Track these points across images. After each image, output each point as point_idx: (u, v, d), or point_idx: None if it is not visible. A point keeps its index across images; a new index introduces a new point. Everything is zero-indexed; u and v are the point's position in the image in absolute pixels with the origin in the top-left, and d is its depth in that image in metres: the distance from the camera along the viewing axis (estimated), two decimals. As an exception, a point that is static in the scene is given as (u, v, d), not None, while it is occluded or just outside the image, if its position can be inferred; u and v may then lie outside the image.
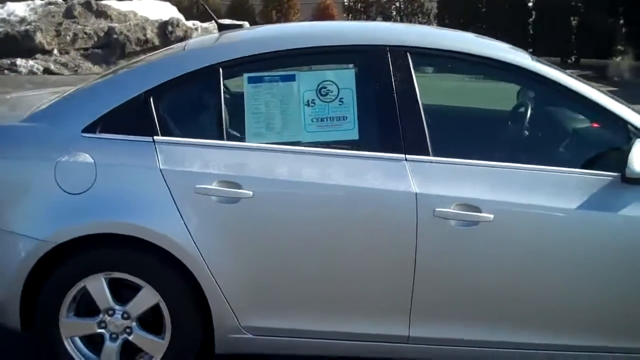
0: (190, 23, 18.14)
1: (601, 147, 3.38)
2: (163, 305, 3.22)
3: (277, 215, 3.16)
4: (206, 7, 3.93)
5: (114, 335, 3.27)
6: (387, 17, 21.29)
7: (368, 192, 3.13)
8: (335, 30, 4.03)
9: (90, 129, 3.21)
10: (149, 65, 3.41)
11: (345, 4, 21.59)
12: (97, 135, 3.20)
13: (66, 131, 3.23)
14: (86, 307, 3.29)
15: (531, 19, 20.14)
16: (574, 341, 3.22)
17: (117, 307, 3.25)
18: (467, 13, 20.31)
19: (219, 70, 3.24)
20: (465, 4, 20.49)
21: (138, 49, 17.09)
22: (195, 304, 3.23)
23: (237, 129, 3.23)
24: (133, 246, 3.17)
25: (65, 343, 3.28)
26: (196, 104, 3.40)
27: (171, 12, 19.67)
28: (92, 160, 3.15)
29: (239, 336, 3.26)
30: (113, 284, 3.24)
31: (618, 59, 18.69)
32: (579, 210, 3.10)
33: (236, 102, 3.27)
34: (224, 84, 3.26)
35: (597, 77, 15.10)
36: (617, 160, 3.11)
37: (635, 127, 3.20)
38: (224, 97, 3.24)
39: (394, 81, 3.20)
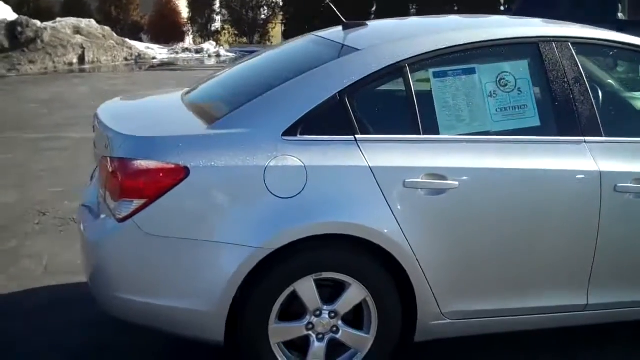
0: (37, 22, 17.13)
1: None
2: (370, 300, 3.28)
3: (480, 202, 3.33)
4: (332, 5, 3.91)
5: (320, 336, 3.29)
6: (233, 10, 21.24)
7: (559, 173, 3.41)
8: (502, 23, 4.28)
9: (290, 132, 3.20)
10: (331, 65, 3.41)
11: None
12: (298, 137, 3.20)
13: (267, 136, 3.19)
14: (286, 310, 3.27)
15: (373, 9, 21.03)
16: None
17: (324, 307, 3.27)
18: (309, 6, 20.77)
19: (406, 66, 3.36)
20: (307, -4, 20.96)
21: (-14, 51, 15.99)
22: (398, 296, 3.32)
23: (430, 123, 3.35)
24: (345, 245, 3.21)
25: (274, 349, 3.25)
26: (387, 100, 3.48)
27: (6, 12, 18.51)
28: (302, 163, 3.15)
29: (439, 322, 3.40)
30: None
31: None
32: None
33: (424, 96, 3.38)
34: (411, 79, 3.36)
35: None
36: None
37: None
38: (414, 92, 3.34)
39: (565, 70, 3.48)
